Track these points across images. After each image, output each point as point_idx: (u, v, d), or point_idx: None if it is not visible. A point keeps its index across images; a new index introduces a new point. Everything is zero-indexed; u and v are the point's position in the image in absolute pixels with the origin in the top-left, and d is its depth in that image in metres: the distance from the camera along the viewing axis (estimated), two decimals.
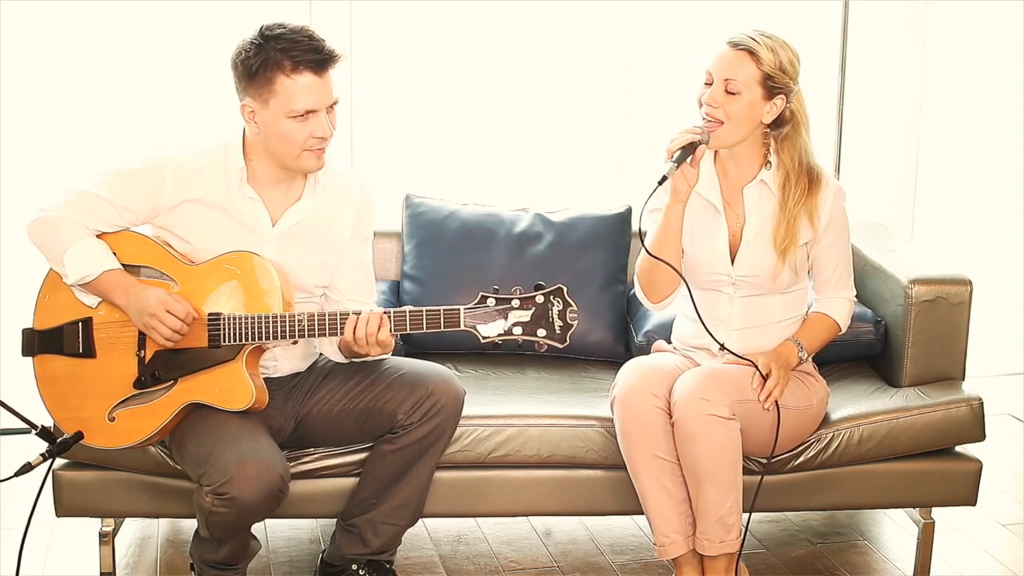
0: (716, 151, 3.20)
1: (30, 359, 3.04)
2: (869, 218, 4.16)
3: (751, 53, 3.05)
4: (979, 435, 3.32)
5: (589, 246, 3.79)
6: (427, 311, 2.87)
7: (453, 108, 4.44)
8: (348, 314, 2.90)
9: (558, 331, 2.85)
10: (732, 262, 3.19)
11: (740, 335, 3.21)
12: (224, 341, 2.91)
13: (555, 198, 4.08)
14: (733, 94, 3.06)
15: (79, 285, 2.95)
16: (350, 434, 3.13)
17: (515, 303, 2.84)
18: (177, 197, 2.98)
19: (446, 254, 3.78)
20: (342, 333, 2.90)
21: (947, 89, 4.63)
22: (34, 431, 2.75)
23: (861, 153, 4.57)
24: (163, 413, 2.94)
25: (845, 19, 4.38)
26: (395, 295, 3.80)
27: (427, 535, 3.63)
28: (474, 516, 3.60)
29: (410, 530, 3.21)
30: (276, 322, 2.89)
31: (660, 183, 3.05)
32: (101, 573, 3.31)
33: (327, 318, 2.89)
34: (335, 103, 2.94)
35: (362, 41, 4.29)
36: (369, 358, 3.05)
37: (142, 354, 2.96)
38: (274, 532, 3.61)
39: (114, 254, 2.95)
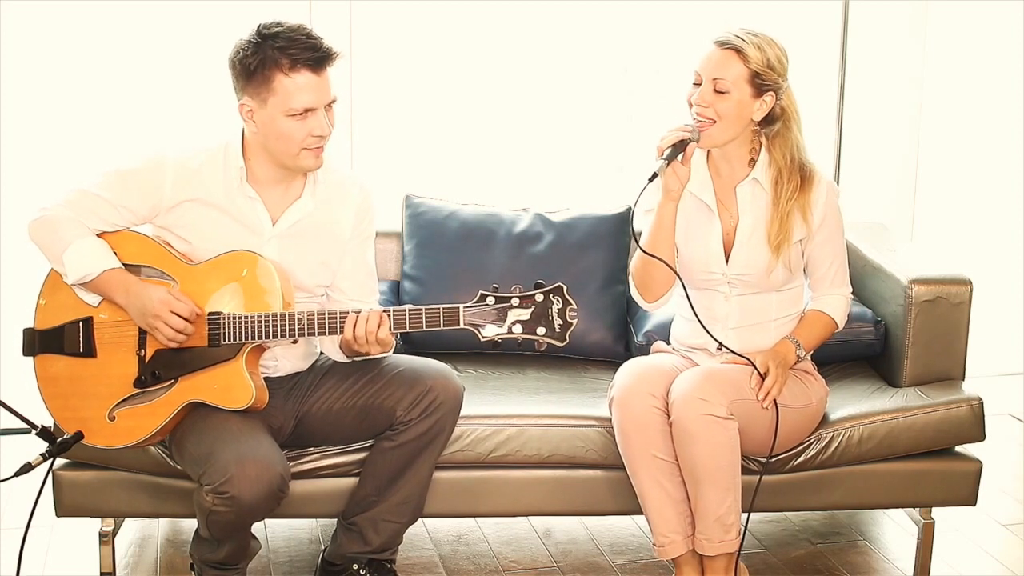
0: (708, 151, 3.21)
1: (30, 359, 3.04)
2: (869, 218, 4.16)
3: (738, 51, 3.06)
4: (979, 435, 3.32)
5: (589, 246, 3.79)
6: (427, 310, 2.87)
7: (453, 108, 4.44)
8: (348, 313, 2.90)
9: (558, 329, 2.85)
10: (727, 261, 3.19)
11: (737, 334, 3.22)
12: (224, 340, 2.91)
13: (555, 198, 4.08)
14: (722, 93, 3.07)
15: (80, 284, 2.95)
16: (350, 432, 3.14)
17: (515, 302, 2.84)
18: (177, 197, 2.98)
19: (446, 254, 3.78)
20: (342, 332, 2.90)
21: (947, 89, 4.63)
22: (34, 431, 2.74)
23: (861, 153, 4.57)
24: (163, 412, 2.94)
25: (845, 19, 4.38)
26: (395, 295, 3.81)
27: (427, 535, 3.63)
28: (474, 516, 3.60)
29: (410, 530, 3.21)
30: (276, 321, 2.89)
31: (651, 180, 3.06)
32: (101, 573, 3.31)
33: (327, 317, 2.90)
34: (333, 101, 2.95)
35: (362, 41, 4.29)
36: (369, 357, 3.05)
37: (142, 353, 2.96)
38: (274, 532, 3.61)
39: (115, 253, 2.96)
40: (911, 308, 3.43)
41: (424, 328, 2.88)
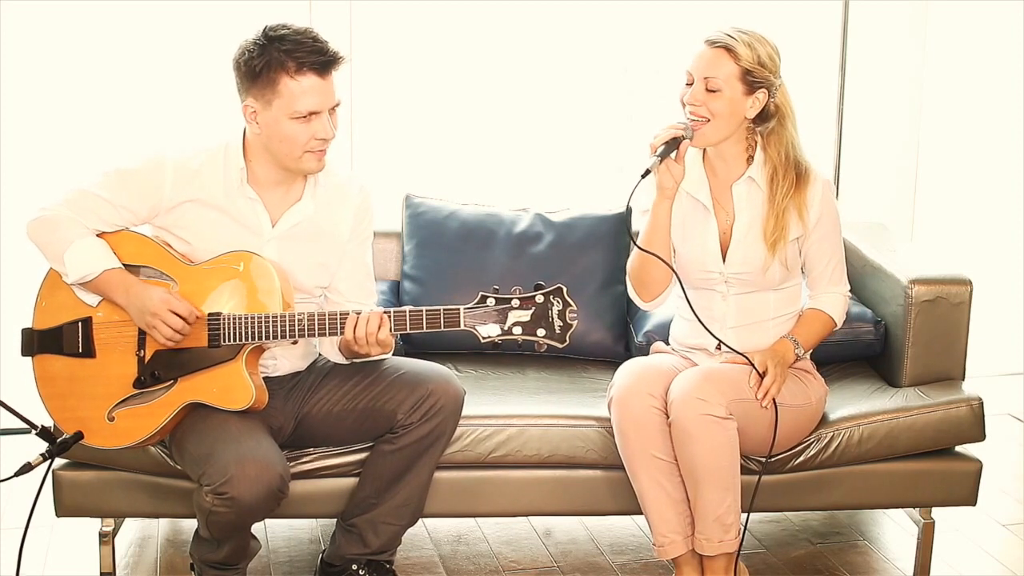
0: (704, 150, 3.21)
1: (30, 359, 3.04)
2: (869, 218, 4.16)
3: (728, 50, 3.06)
4: (979, 435, 3.32)
5: (589, 246, 3.79)
6: (427, 311, 2.87)
7: (453, 108, 4.44)
8: (348, 314, 2.90)
9: (558, 331, 2.85)
10: (724, 260, 3.20)
11: (735, 333, 3.22)
12: (224, 341, 2.91)
13: (555, 198, 4.08)
14: (714, 91, 3.07)
15: (79, 284, 2.95)
16: (350, 434, 3.13)
17: (515, 303, 2.84)
18: (177, 197, 2.98)
19: (446, 254, 3.78)
20: (342, 333, 2.90)
21: (947, 89, 4.63)
22: (34, 431, 2.75)
23: (861, 153, 4.57)
24: (163, 413, 2.94)
25: (845, 19, 4.38)
26: (395, 295, 3.81)
27: (427, 535, 3.63)
28: (474, 516, 3.60)
29: (410, 530, 3.21)
30: (276, 322, 2.89)
31: (643, 176, 3.06)
32: (101, 573, 3.31)
33: (327, 318, 2.90)
34: (337, 105, 2.95)
35: (362, 42, 4.29)
36: (369, 358, 3.05)
37: (142, 354, 2.96)
38: (274, 532, 3.61)
39: (114, 253, 2.96)
40: (911, 308, 3.43)
41: (424, 329, 2.88)
